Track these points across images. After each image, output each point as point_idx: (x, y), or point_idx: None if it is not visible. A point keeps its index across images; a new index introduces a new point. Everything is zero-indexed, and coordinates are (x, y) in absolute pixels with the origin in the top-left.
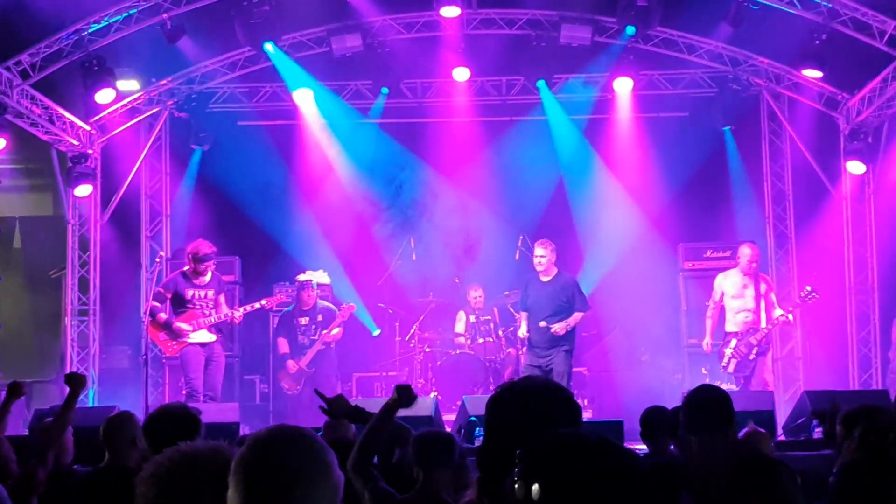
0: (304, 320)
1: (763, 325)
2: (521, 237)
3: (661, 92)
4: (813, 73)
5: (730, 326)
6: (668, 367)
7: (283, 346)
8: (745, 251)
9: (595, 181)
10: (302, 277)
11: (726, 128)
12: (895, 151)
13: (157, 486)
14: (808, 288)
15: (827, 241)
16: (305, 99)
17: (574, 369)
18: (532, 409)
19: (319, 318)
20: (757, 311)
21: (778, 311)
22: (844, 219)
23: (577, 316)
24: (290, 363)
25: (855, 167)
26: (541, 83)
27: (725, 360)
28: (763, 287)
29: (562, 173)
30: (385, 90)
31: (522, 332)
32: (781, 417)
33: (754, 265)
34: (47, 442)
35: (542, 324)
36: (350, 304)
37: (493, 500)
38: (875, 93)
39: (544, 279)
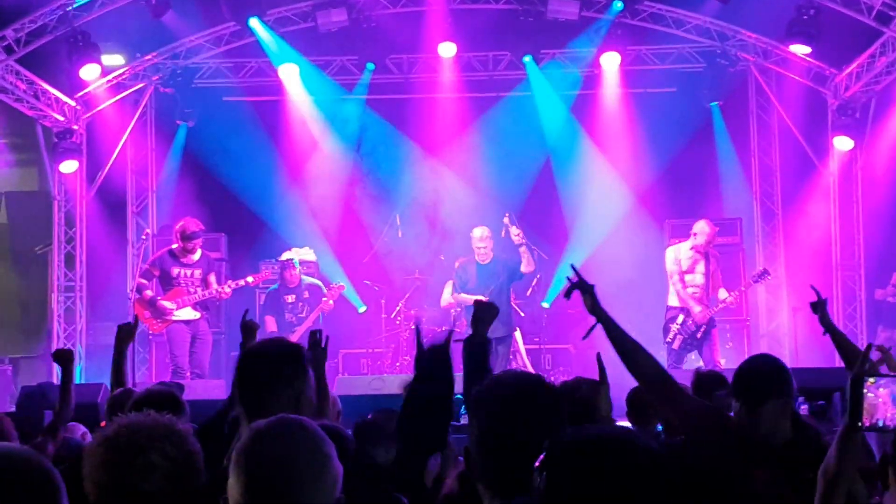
0: (290, 298)
1: (711, 302)
2: (506, 214)
3: (649, 67)
4: (801, 49)
5: (674, 301)
6: (653, 345)
7: (271, 324)
8: (705, 228)
9: (582, 157)
10: (284, 256)
11: (714, 103)
12: (883, 127)
13: (104, 451)
14: (761, 268)
15: (814, 216)
16: (291, 74)
17: (560, 346)
18: (519, 412)
19: (306, 294)
20: (705, 289)
21: (723, 294)
22: (832, 194)
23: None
24: None
25: (843, 143)
26: (527, 59)
27: (671, 335)
28: (712, 265)
29: (548, 149)
30: (371, 66)
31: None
32: None
33: (711, 244)
34: (58, 419)
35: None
36: (340, 285)
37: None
38: (863, 68)
39: (482, 262)
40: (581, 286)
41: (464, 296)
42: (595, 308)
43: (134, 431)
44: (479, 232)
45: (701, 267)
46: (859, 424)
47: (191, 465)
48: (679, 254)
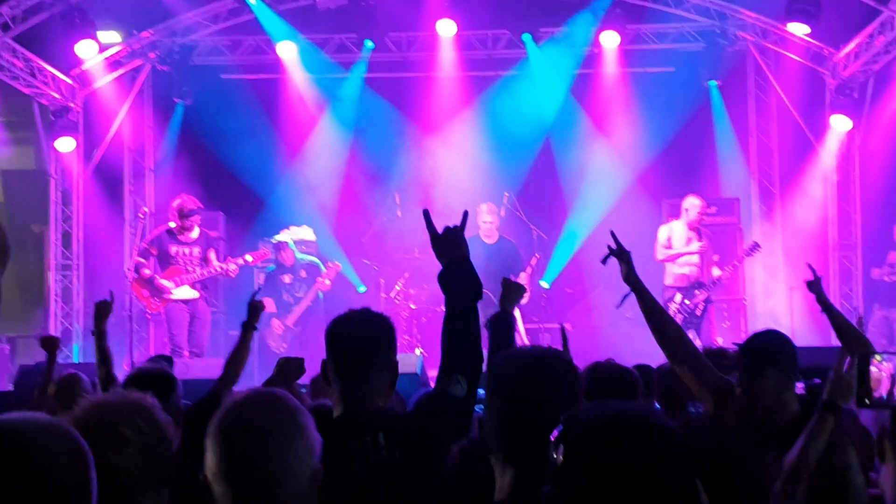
0: (287, 278)
1: (708, 277)
2: (506, 194)
3: (648, 46)
4: (800, 28)
5: (671, 280)
6: None
7: (269, 305)
8: (695, 202)
9: (580, 137)
10: (276, 238)
11: (712, 82)
12: (881, 107)
13: (75, 426)
14: (752, 241)
15: (812, 196)
16: (289, 52)
17: (558, 326)
18: (535, 385)
19: (303, 274)
20: (701, 265)
21: (716, 271)
22: (829, 174)
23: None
24: (275, 322)
25: (841, 122)
26: (526, 37)
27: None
28: (705, 242)
29: (547, 129)
30: (369, 44)
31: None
32: None
33: (704, 217)
34: (37, 405)
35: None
36: (336, 264)
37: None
38: (862, 48)
39: (487, 241)
40: (619, 253)
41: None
42: (630, 276)
43: (103, 409)
44: (485, 207)
45: (695, 245)
46: (866, 402)
47: (161, 437)
48: (672, 232)
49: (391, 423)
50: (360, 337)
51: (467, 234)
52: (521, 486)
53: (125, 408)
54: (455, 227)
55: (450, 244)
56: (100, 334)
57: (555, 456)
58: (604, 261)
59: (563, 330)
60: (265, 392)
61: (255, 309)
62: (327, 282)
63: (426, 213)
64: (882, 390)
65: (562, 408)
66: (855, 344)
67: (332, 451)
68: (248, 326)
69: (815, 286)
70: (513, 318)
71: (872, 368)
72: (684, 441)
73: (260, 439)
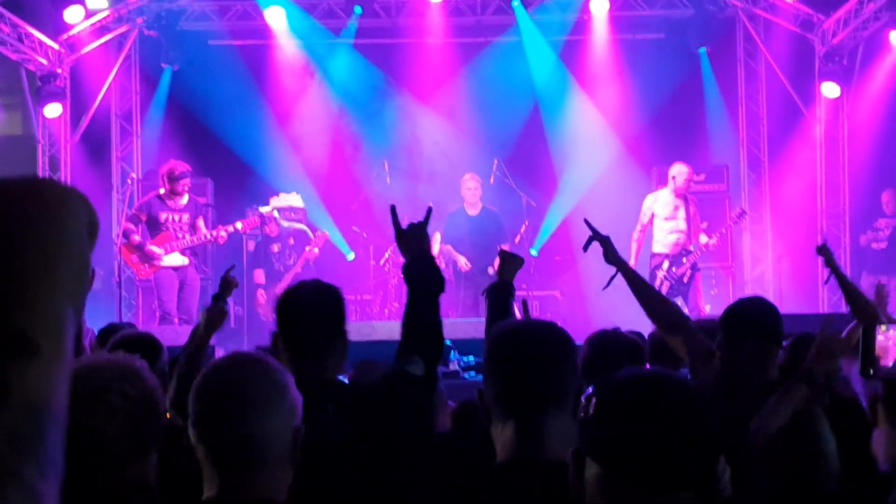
0: (275, 247)
1: (693, 246)
2: (495, 161)
3: (637, 13)
4: None
5: (659, 248)
6: None
7: (259, 276)
8: (682, 169)
9: (570, 103)
10: (262, 210)
11: (702, 49)
12: (870, 74)
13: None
14: (738, 208)
15: (800, 163)
16: (277, 17)
17: (547, 293)
18: (533, 353)
19: (291, 241)
20: (688, 233)
21: (703, 238)
22: (818, 141)
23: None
24: (260, 293)
25: (829, 89)
26: (516, 3)
27: (658, 282)
28: (692, 209)
29: (536, 96)
30: (358, 9)
31: (463, 262)
32: None
33: (691, 184)
34: None
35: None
36: (323, 232)
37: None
38: (851, 14)
39: (471, 213)
40: (598, 238)
41: (451, 251)
42: (612, 257)
43: (90, 373)
44: (468, 177)
45: (682, 212)
46: (871, 372)
47: (151, 401)
48: (656, 201)
49: (342, 394)
50: (311, 308)
51: (453, 206)
52: (524, 443)
53: (112, 373)
54: (419, 222)
55: (412, 239)
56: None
57: (583, 414)
58: (585, 248)
59: (524, 302)
60: (242, 354)
61: (226, 284)
62: (315, 250)
63: (393, 209)
64: (889, 360)
65: (560, 371)
66: (863, 311)
67: None
68: (216, 300)
69: (823, 251)
70: (511, 288)
71: (879, 337)
72: (714, 409)
73: (237, 398)
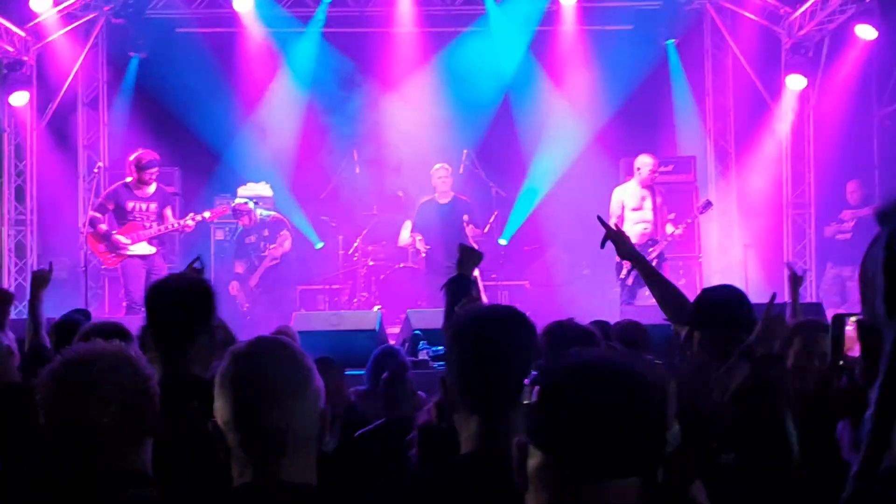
0: (251, 238)
1: (660, 236)
2: (465, 151)
3: (606, 4)
4: None
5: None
6: (608, 282)
7: (238, 267)
8: (647, 160)
9: (539, 95)
10: (237, 201)
11: (670, 42)
12: (836, 66)
13: (56, 383)
14: (704, 199)
15: (766, 155)
16: (245, 6)
17: (516, 283)
18: (495, 340)
19: (266, 233)
20: (655, 223)
21: (670, 228)
22: (784, 133)
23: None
24: (232, 285)
25: (795, 81)
26: None
27: (624, 272)
28: (658, 200)
29: (506, 86)
30: None
31: (420, 245)
32: None
33: (656, 175)
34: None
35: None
36: (286, 233)
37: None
38: (817, 7)
39: (442, 202)
40: (612, 235)
41: (421, 243)
42: (628, 252)
43: (84, 363)
44: (439, 166)
45: (649, 203)
46: (840, 364)
47: (145, 391)
48: (624, 194)
49: (208, 391)
50: (178, 303)
51: (424, 196)
52: (488, 434)
53: (106, 363)
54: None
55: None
56: (35, 302)
57: (526, 400)
58: (602, 244)
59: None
60: (270, 339)
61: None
62: (287, 244)
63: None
64: (855, 350)
65: (522, 360)
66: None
67: None
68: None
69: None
70: (468, 282)
71: (847, 328)
72: (660, 384)
73: (269, 385)
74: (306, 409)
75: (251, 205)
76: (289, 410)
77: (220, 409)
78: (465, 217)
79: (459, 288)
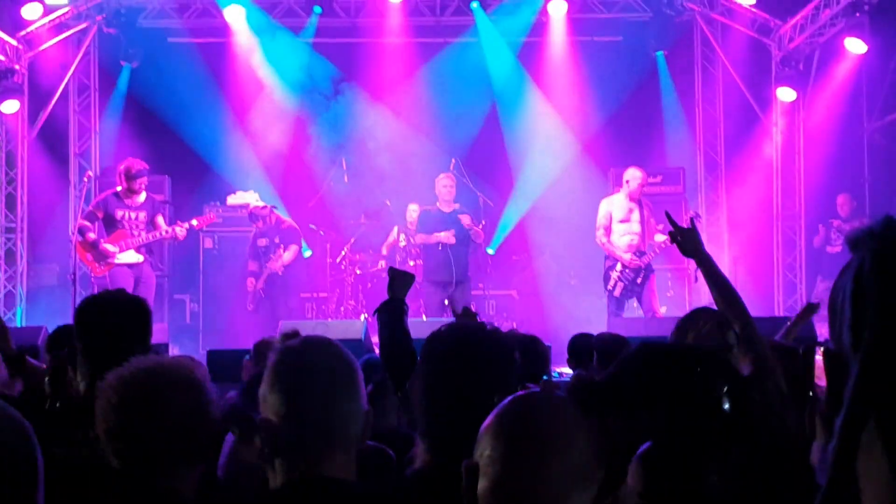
0: (263, 241)
1: (648, 248)
2: (452, 160)
3: (596, 15)
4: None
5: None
6: (596, 292)
7: (251, 265)
8: (637, 174)
9: (528, 105)
10: (243, 200)
11: (659, 53)
12: (825, 79)
13: (119, 394)
14: (692, 212)
15: (756, 167)
16: (237, 16)
17: (503, 292)
18: (463, 367)
19: (277, 239)
20: (642, 235)
21: (659, 237)
22: (774, 146)
23: (479, 231)
24: (250, 281)
25: (785, 94)
26: (475, 4)
27: (612, 283)
28: (646, 212)
29: (494, 96)
30: (317, 8)
31: (444, 236)
32: None
33: (644, 188)
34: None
35: (446, 233)
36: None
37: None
38: (807, 20)
39: (445, 210)
40: (680, 231)
41: (422, 236)
42: (693, 251)
43: (146, 378)
44: (443, 176)
45: (636, 215)
46: (810, 394)
47: (202, 412)
48: (612, 205)
49: None
50: (109, 320)
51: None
52: (437, 458)
53: (167, 380)
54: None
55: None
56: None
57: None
58: (673, 240)
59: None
60: (317, 338)
61: None
62: (286, 255)
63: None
64: (823, 379)
65: (490, 385)
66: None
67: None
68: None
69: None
70: (403, 305)
71: (817, 357)
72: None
73: (322, 379)
74: (354, 406)
75: (278, 209)
76: (341, 402)
77: (273, 403)
78: (468, 220)
79: (393, 311)
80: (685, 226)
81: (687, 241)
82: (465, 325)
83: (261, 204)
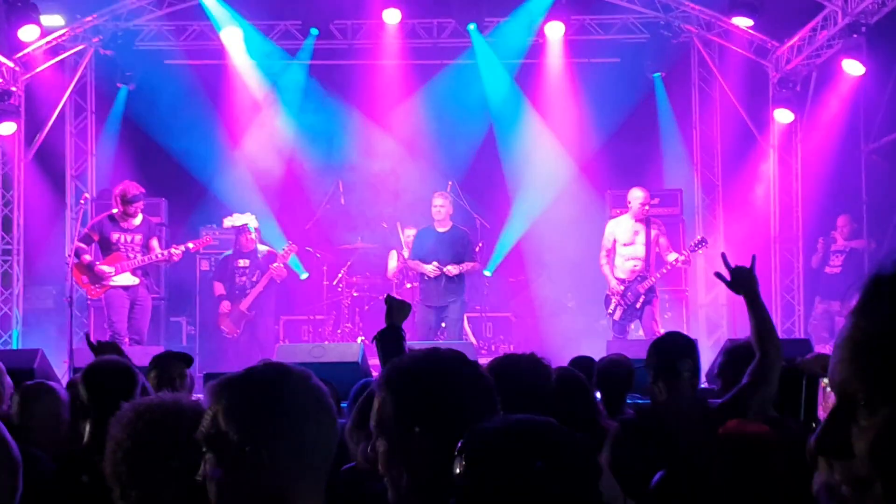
0: (243, 262)
1: (654, 271)
2: (449, 183)
3: (593, 37)
4: (743, 21)
5: (618, 273)
6: (593, 314)
7: (219, 288)
8: (637, 194)
9: (525, 127)
10: (237, 222)
11: (657, 74)
12: (823, 101)
13: (133, 431)
14: (699, 236)
15: (754, 188)
16: (233, 38)
17: (500, 314)
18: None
19: (260, 258)
20: (646, 259)
21: (673, 255)
22: (771, 167)
23: (469, 264)
24: (224, 304)
25: (783, 115)
26: (472, 26)
27: (612, 307)
28: (654, 233)
29: (491, 118)
30: (314, 31)
31: (430, 269)
32: (705, 365)
33: (647, 208)
34: None
35: (433, 266)
36: (292, 245)
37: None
38: (804, 42)
39: (440, 230)
40: (739, 271)
41: (418, 263)
42: (751, 290)
43: (166, 416)
44: (437, 195)
45: (641, 237)
46: (813, 425)
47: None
48: (617, 227)
49: None
50: (103, 385)
51: (423, 223)
52: (414, 491)
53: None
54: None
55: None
56: None
57: (457, 470)
58: (729, 283)
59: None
60: (288, 366)
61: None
62: (281, 265)
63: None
64: (822, 410)
65: (459, 415)
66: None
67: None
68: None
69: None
70: (401, 333)
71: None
72: (587, 449)
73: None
74: (328, 433)
75: (251, 228)
76: (305, 435)
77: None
78: (455, 270)
79: (390, 340)
80: (746, 265)
81: (745, 280)
82: (430, 353)
83: (244, 221)
